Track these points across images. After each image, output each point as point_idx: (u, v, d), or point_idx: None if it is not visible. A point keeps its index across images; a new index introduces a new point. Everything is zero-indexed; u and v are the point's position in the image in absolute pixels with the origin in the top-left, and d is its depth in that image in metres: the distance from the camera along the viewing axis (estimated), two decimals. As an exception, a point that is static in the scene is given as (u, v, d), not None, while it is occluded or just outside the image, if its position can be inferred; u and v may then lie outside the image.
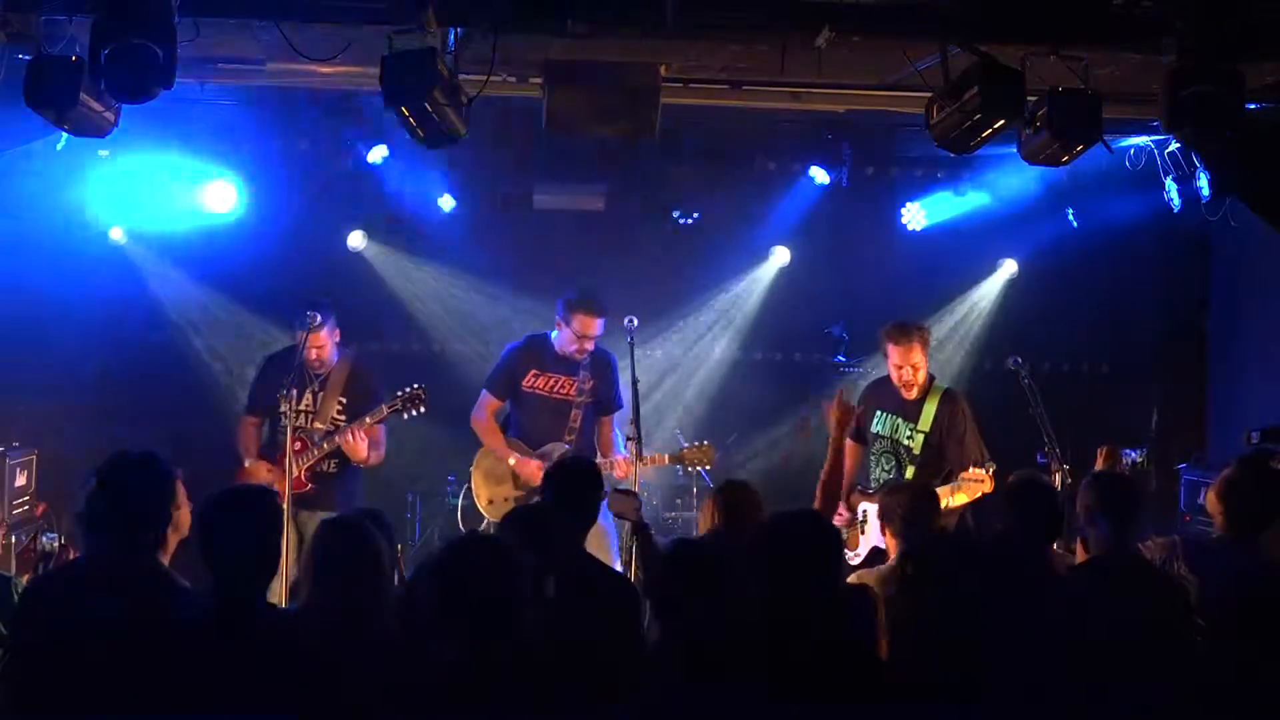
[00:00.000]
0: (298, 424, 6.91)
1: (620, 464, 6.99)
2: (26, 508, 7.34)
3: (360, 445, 6.86)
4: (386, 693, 3.34)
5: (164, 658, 3.43)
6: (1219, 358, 8.98)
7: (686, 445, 7.24)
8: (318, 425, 6.98)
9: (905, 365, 6.76)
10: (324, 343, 6.98)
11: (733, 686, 3.27)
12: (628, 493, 5.75)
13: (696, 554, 3.61)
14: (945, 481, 6.58)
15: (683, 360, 9.30)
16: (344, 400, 7.01)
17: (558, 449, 7.05)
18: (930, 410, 6.81)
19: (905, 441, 6.89)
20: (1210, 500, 4.86)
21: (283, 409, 6.76)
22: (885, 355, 6.91)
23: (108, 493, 3.84)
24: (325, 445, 6.88)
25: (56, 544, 6.81)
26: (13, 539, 6.90)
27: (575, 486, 4.85)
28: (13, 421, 7.70)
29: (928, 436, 6.79)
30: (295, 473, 6.81)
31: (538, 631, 3.24)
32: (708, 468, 7.30)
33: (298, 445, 6.90)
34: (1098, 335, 9.23)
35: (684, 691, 3.28)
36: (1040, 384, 7.12)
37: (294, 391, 6.81)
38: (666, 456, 7.15)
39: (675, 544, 3.77)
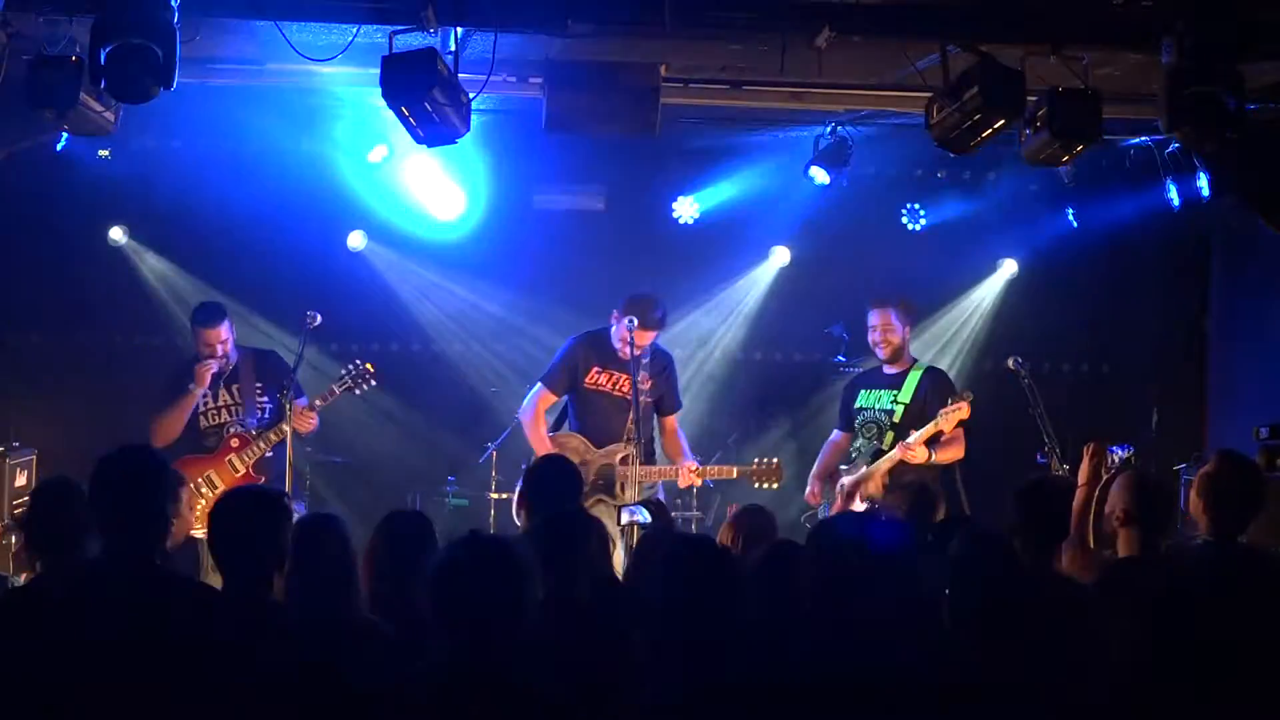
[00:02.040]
0: (222, 420, 7.03)
1: (684, 472, 6.95)
2: (26, 508, 7.32)
3: (312, 421, 7.00)
4: (381, 691, 3.34)
5: (175, 656, 3.44)
6: (1219, 358, 8.97)
7: (756, 462, 7.10)
8: (249, 416, 7.06)
9: (878, 325, 7.18)
10: (225, 338, 7.09)
11: (733, 689, 3.27)
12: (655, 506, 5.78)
13: (699, 558, 3.61)
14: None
15: (683, 360, 9.28)
16: (260, 384, 7.11)
17: (618, 451, 6.92)
18: (913, 381, 7.11)
19: (887, 407, 7.12)
20: (1192, 499, 4.83)
21: (203, 410, 7.03)
22: (866, 324, 7.28)
23: (110, 490, 3.81)
24: (273, 435, 6.93)
25: None
26: (12, 539, 6.90)
27: (549, 484, 4.96)
28: (13, 421, 7.71)
29: (908, 406, 7.04)
30: (242, 470, 6.90)
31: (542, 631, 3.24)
32: (775, 486, 7.12)
33: (236, 443, 6.97)
34: (1098, 335, 9.22)
35: (685, 693, 3.28)
36: (1040, 384, 7.13)
37: (209, 392, 6.96)
38: (735, 470, 7.12)
39: (675, 546, 3.76)
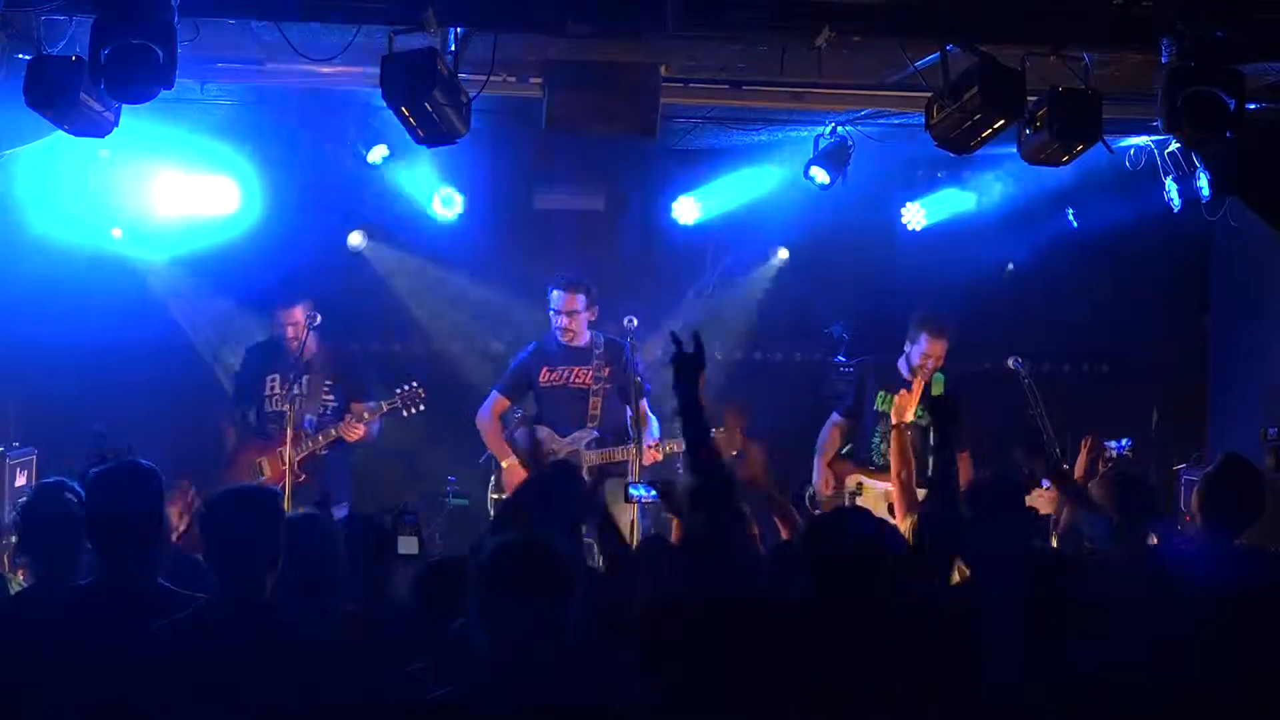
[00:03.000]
0: (284, 408, 7.11)
1: (646, 452, 7.04)
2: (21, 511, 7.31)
3: (359, 430, 7.11)
4: (410, 688, 3.35)
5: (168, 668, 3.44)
6: (1219, 358, 8.97)
7: (714, 431, 7.11)
8: (309, 412, 7.08)
9: (933, 357, 7.10)
10: (298, 319, 7.11)
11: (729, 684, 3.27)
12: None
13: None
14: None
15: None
16: (330, 382, 7.15)
17: (585, 437, 7.24)
18: (939, 394, 6.93)
19: (917, 422, 6.96)
20: (1193, 500, 4.85)
21: (269, 394, 7.17)
22: (913, 341, 7.20)
23: (106, 511, 3.79)
24: (322, 438, 6.99)
25: None
26: (12, 538, 6.89)
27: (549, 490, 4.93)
28: (13, 421, 7.70)
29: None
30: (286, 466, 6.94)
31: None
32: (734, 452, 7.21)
33: (290, 436, 7.00)
34: (1098, 335, 9.22)
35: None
36: (1040, 384, 7.13)
37: (290, 377, 7.01)
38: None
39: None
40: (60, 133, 5.76)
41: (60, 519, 3.98)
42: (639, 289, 8.41)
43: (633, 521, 6.66)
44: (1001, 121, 5.66)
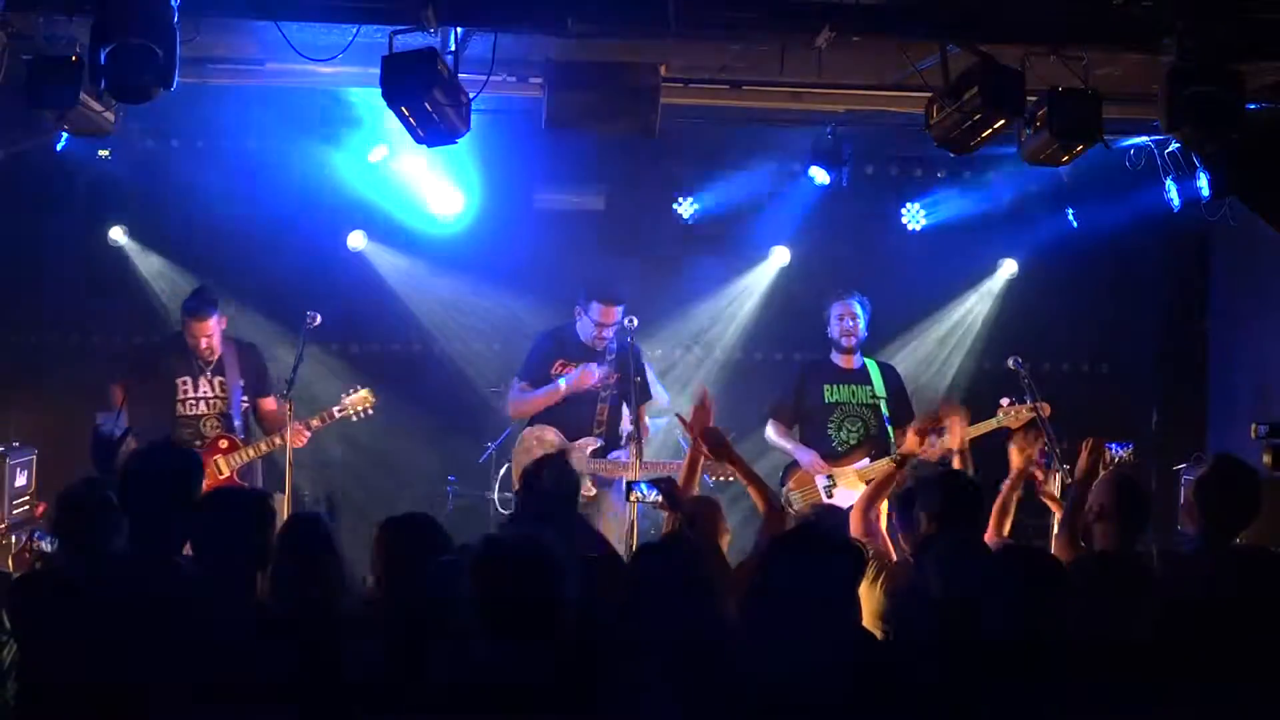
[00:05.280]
0: (200, 412, 7.10)
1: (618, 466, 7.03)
2: (26, 508, 7.33)
3: (305, 437, 7.03)
4: (409, 689, 3.35)
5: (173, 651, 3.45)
6: (1219, 358, 8.97)
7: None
8: (232, 411, 7.12)
9: (846, 315, 7.39)
10: (212, 331, 7.14)
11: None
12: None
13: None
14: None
15: (683, 360, 9.29)
16: (243, 381, 7.16)
17: (590, 444, 7.10)
18: (876, 374, 7.42)
19: (869, 402, 7.35)
20: (1188, 504, 4.82)
21: (181, 398, 7.15)
22: (827, 318, 7.48)
23: (138, 486, 3.82)
24: (265, 446, 7.00)
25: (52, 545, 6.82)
26: (13, 539, 6.90)
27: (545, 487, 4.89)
28: (12, 421, 7.70)
29: (888, 399, 7.35)
30: (226, 473, 6.96)
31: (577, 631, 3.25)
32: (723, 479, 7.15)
33: (225, 444, 7.01)
34: (1098, 335, 9.22)
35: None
36: (1040, 384, 7.13)
37: (188, 380, 7.00)
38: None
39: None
40: (61, 132, 5.76)
41: (96, 506, 4.09)
42: (638, 289, 8.40)
43: (632, 522, 6.64)
44: (1001, 121, 5.66)
